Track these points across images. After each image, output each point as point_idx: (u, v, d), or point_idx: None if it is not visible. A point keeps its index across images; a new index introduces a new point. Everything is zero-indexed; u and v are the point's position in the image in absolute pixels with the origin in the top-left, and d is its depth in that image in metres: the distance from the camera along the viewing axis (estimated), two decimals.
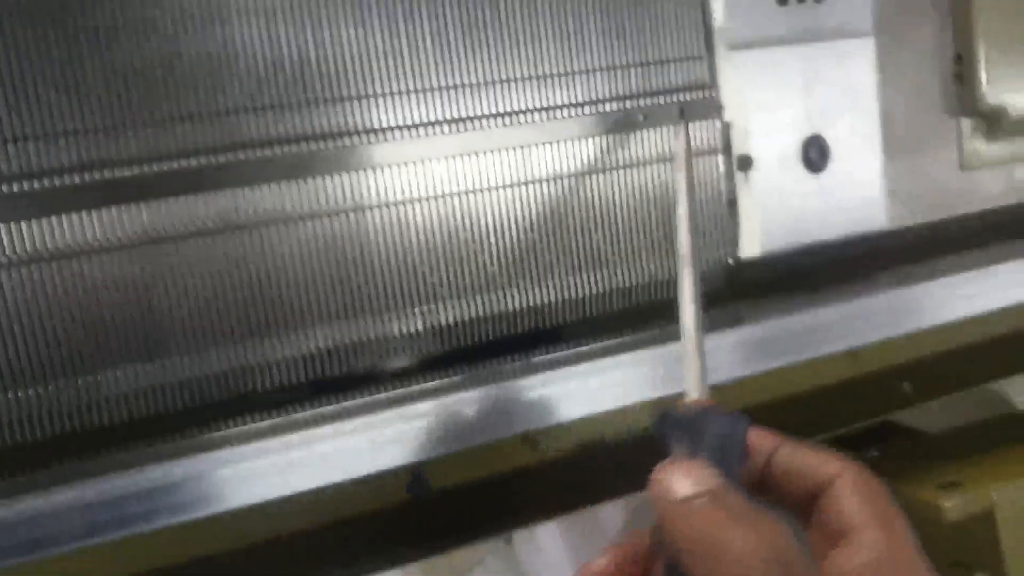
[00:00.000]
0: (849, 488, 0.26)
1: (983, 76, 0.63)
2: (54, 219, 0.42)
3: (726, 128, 0.56)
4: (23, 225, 0.41)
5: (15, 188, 0.41)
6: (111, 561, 0.42)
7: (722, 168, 0.56)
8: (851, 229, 0.61)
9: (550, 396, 0.48)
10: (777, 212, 0.59)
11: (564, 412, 0.48)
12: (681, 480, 0.25)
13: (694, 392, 0.31)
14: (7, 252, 0.41)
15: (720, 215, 0.56)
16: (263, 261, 0.45)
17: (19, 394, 0.42)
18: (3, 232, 0.41)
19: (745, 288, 0.60)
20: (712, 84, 0.55)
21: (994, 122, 0.64)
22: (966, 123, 0.66)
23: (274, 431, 0.44)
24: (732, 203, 0.57)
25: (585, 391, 0.49)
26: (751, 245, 0.58)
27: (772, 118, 0.58)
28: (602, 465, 0.51)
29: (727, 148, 0.56)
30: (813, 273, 0.63)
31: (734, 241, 0.57)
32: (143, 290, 0.44)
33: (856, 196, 0.61)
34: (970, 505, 0.53)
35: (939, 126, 0.64)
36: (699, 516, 0.24)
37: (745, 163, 0.57)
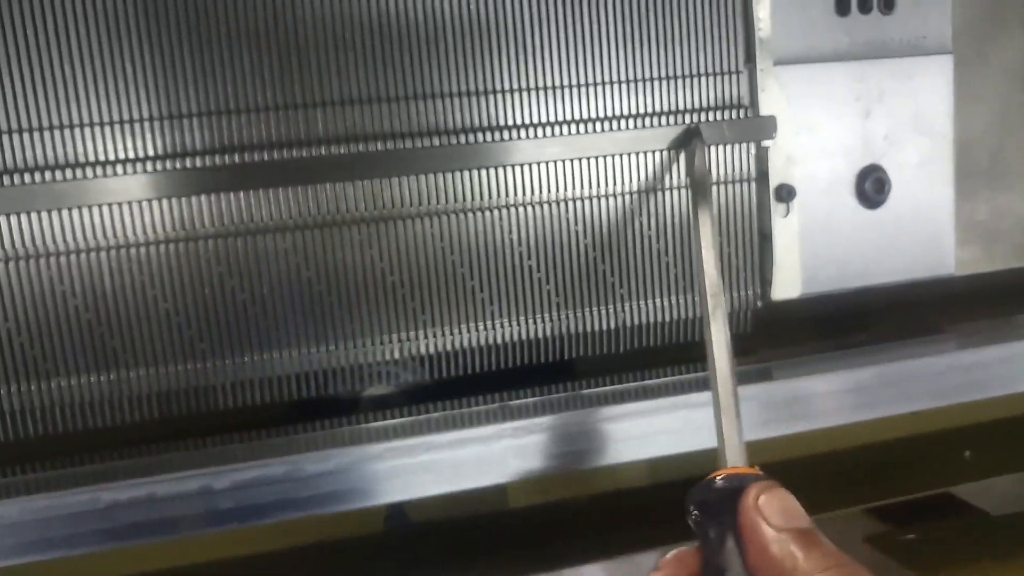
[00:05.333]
0: None
1: None
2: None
3: (762, 153, 0.49)
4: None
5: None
6: None
7: (755, 198, 0.49)
8: (912, 274, 0.54)
9: None
10: (822, 250, 0.52)
11: None
12: (779, 511, 0.26)
13: (735, 459, 0.27)
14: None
15: (750, 251, 0.50)
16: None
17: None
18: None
19: (779, 334, 0.53)
20: (749, 103, 0.49)
21: None
22: None
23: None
24: (765, 238, 0.50)
25: None
26: (788, 286, 0.51)
27: (822, 144, 0.51)
28: None
29: (762, 176, 0.49)
30: (862, 321, 0.56)
31: (766, 281, 0.50)
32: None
33: (921, 236, 0.53)
34: None
35: None
36: (791, 545, 0.25)
37: (786, 193, 0.50)
